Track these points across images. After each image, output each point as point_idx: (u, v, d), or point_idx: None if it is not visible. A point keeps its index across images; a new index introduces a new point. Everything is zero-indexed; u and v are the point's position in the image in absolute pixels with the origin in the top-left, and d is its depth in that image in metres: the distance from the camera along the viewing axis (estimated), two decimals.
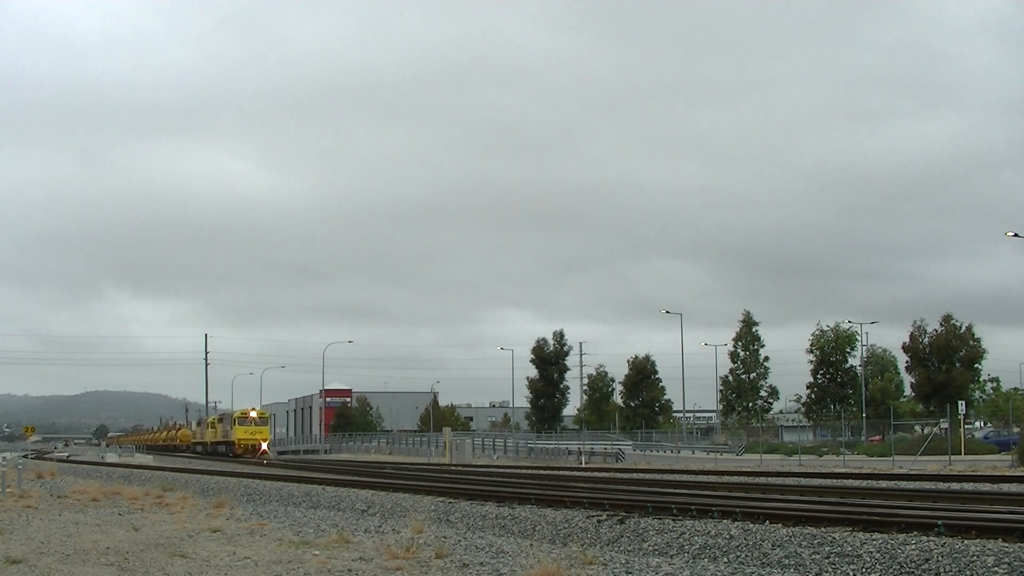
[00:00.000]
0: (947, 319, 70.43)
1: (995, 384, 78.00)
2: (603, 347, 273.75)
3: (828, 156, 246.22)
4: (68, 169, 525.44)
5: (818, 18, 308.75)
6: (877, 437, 66.29)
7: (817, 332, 79.03)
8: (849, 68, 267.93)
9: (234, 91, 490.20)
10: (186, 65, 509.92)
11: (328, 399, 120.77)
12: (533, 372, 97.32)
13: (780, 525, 15.07)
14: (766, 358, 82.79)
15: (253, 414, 78.33)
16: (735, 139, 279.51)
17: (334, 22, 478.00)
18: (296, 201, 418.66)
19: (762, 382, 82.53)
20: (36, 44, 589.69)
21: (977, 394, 73.84)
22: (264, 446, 73.69)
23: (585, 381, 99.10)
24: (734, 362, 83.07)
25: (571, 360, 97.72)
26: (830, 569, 12.48)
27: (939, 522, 13.54)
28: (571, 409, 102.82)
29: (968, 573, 11.41)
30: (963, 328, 70.16)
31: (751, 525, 15.29)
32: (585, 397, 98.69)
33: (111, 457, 71.90)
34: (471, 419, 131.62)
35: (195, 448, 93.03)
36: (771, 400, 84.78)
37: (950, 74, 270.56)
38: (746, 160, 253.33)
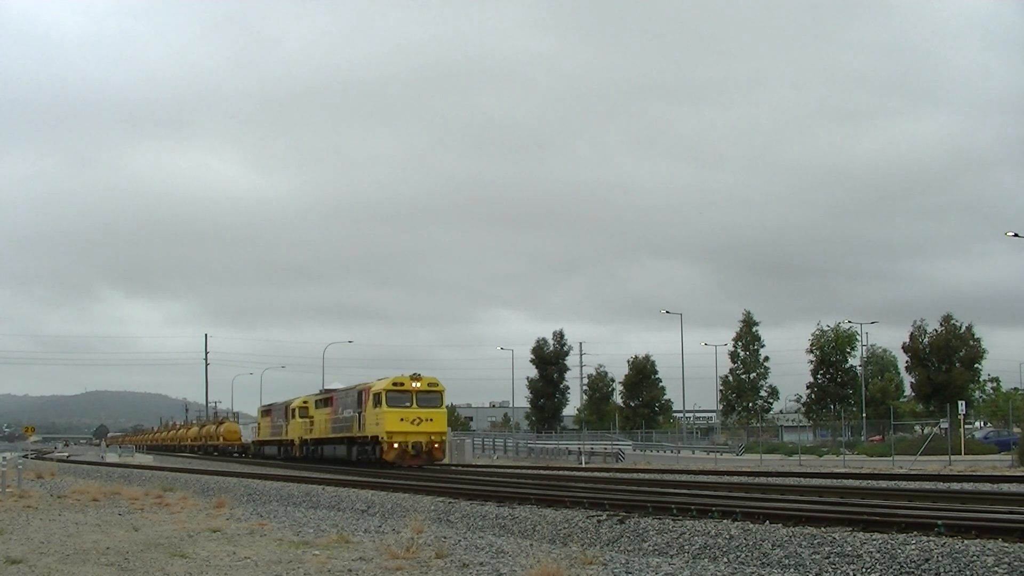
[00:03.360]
0: (947, 319, 70.56)
1: (995, 384, 78.17)
2: (599, 347, 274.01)
3: (820, 156, 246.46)
4: (59, 169, 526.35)
5: (807, 19, 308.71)
6: (877, 437, 66.35)
7: (817, 332, 79.26)
8: (838, 68, 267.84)
9: (223, 91, 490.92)
10: (176, 65, 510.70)
11: None
12: (533, 372, 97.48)
13: (780, 525, 15.05)
14: (766, 358, 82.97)
15: (417, 384, 43.31)
16: (725, 139, 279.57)
17: (323, 22, 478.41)
18: (288, 201, 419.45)
19: (762, 382, 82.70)
20: (23, 44, 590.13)
21: (977, 394, 74.01)
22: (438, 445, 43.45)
23: (585, 381, 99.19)
24: (734, 362, 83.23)
25: (571, 360, 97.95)
26: (830, 569, 12.47)
27: (939, 522, 13.53)
28: (571, 409, 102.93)
29: (968, 573, 11.41)
30: (963, 328, 70.29)
31: (751, 525, 15.28)
32: (585, 397, 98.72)
33: (111, 457, 71.33)
34: (471, 419, 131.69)
35: (261, 451, 65.79)
36: (771, 400, 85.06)
37: (939, 74, 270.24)
38: (737, 160, 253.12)
